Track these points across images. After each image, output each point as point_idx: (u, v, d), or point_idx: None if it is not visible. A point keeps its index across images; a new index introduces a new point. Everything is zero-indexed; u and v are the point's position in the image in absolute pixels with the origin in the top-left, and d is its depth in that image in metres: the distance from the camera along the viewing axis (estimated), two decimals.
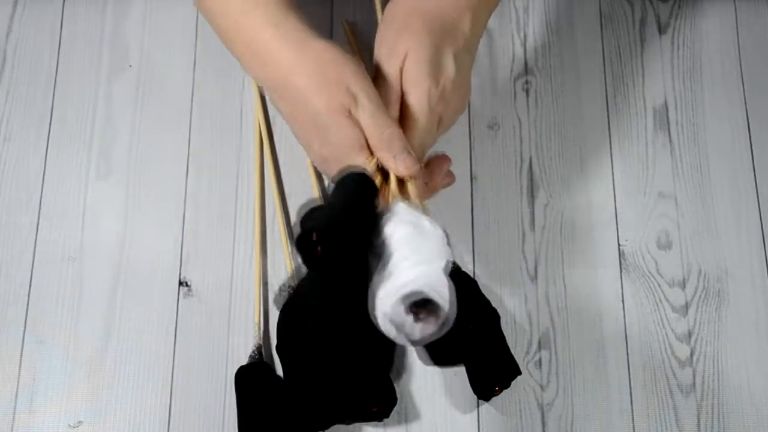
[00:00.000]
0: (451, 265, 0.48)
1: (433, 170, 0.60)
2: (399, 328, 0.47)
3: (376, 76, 0.57)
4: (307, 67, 0.55)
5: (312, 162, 0.63)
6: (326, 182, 0.71)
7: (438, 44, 0.56)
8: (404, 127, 0.56)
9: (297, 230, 0.49)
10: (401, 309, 0.46)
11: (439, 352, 0.58)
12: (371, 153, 0.55)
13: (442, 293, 0.47)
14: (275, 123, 0.73)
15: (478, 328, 0.63)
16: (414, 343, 0.48)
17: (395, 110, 0.56)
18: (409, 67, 0.56)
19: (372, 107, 0.54)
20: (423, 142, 0.57)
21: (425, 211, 0.54)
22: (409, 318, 0.47)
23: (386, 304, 0.47)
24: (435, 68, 0.56)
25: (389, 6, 0.59)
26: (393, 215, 0.51)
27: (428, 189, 0.60)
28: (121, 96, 0.73)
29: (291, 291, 0.64)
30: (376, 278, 0.49)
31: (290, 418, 0.62)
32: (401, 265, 0.47)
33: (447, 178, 0.62)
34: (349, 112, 0.54)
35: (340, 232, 0.48)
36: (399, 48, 0.56)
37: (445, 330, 0.48)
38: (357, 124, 0.55)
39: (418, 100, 0.55)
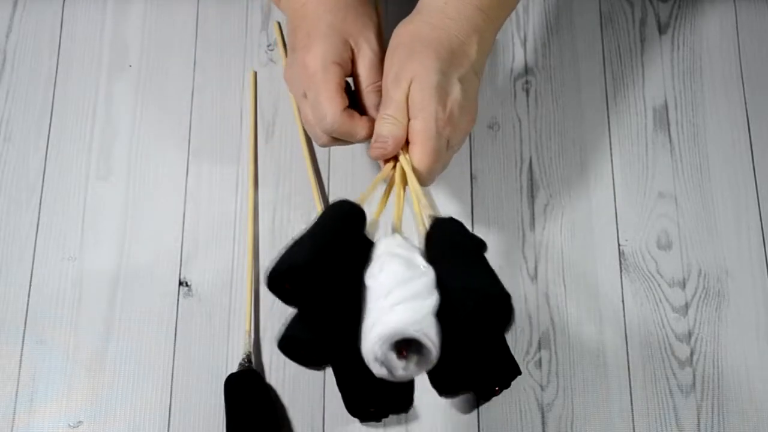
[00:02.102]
0: (437, 305, 0.48)
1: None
2: (383, 364, 0.47)
3: (384, 102, 0.57)
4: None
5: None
6: (325, 184, 0.71)
7: (444, 69, 0.56)
8: (412, 151, 0.56)
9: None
10: (386, 347, 0.47)
11: (442, 381, 0.57)
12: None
13: (429, 334, 0.47)
14: (275, 123, 0.73)
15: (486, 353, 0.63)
16: (397, 378, 0.48)
17: (401, 133, 0.56)
18: (415, 92, 0.55)
19: (372, 55, 0.59)
20: (432, 167, 0.56)
21: (431, 202, 0.54)
22: (393, 355, 0.47)
23: (372, 342, 0.47)
24: (441, 93, 0.55)
25: (395, 32, 0.59)
26: (386, 247, 0.51)
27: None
28: (121, 96, 0.73)
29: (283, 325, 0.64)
30: (365, 314, 0.49)
31: (278, 425, 0.63)
32: (387, 302, 0.47)
33: None
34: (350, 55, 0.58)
35: (309, 267, 0.48)
36: (405, 74, 0.56)
37: (428, 368, 0.48)
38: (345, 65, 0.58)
39: (425, 125, 0.55)
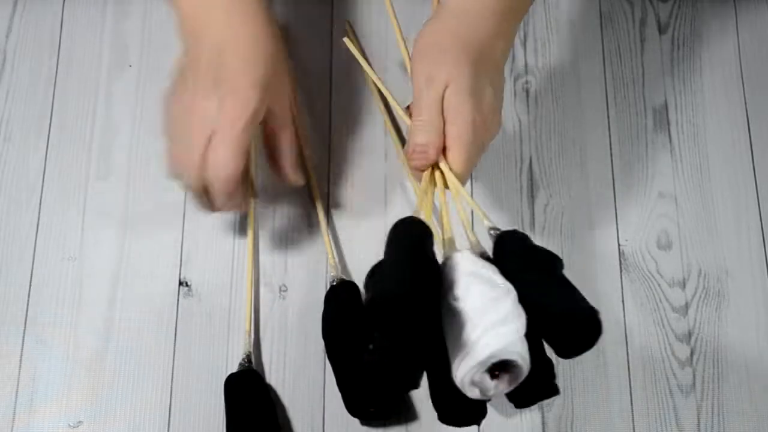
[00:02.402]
0: (525, 325, 0.48)
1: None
2: (477, 386, 0.48)
3: (417, 104, 0.56)
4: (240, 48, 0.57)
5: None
6: (326, 184, 0.71)
7: (477, 71, 0.55)
8: (449, 157, 0.55)
9: (363, 296, 0.48)
10: (483, 371, 0.47)
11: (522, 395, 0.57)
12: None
13: (524, 355, 0.47)
14: None
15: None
16: (488, 397, 0.49)
17: (438, 139, 0.55)
18: (451, 96, 0.55)
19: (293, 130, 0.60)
20: (467, 170, 0.56)
21: (482, 214, 0.55)
22: (487, 377, 0.48)
23: (469, 367, 0.47)
24: (476, 97, 0.55)
25: (423, 32, 0.58)
26: (464, 266, 0.51)
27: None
28: (121, 96, 0.73)
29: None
30: (453, 340, 0.49)
31: (278, 425, 0.63)
32: (481, 327, 0.47)
33: None
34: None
35: (410, 296, 0.47)
36: (439, 76, 0.55)
37: (518, 384, 0.49)
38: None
39: (462, 131, 0.54)
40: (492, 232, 0.54)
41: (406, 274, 0.48)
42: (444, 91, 0.55)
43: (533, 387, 0.53)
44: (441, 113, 0.55)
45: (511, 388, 0.49)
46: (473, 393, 0.48)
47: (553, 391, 0.56)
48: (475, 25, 0.57)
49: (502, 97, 0.59)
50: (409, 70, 0.59)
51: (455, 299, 0.49)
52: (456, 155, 0.55)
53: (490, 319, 0.47)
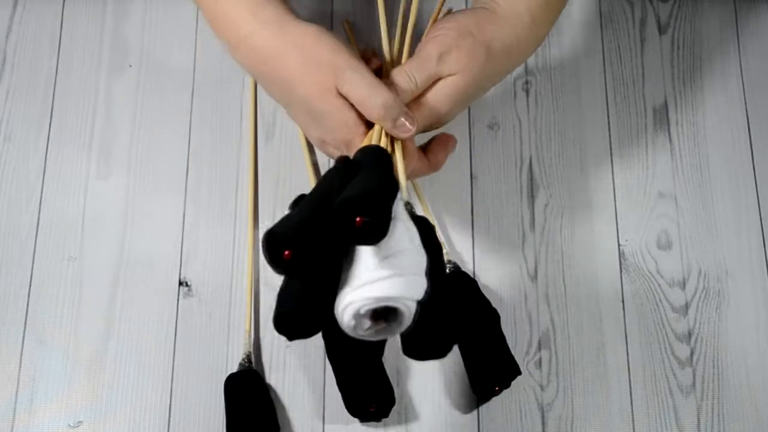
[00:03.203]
0: (427, 290, 0.48)
1: (436, 148, 0.60)
2: (355, 318, 0.47)
3: (416, 60, 0.56)
4: (289, 54, 0.54)
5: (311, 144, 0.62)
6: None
7: (483, 85, 0.57)
8: (416, 110, 0.56)
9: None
10: (370, 308, 0.46)
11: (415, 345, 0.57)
12: (367, 127, 0.55)
13: (411, 312, 0.47)
14: (275, 123, 0.73)
15: (478, 328, 0.63)
16: (354, 335, 0.48)
17: (410, 99, 0.56)
18: (449, 90, 0.56)
19: (359, 79, 0.54)
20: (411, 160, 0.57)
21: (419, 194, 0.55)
22: (368, 316, 0.47)
23: (360, 297, 0.46)
24: (470, 97, 0.57)
25: (474, 12, 0.58)
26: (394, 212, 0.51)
27: (431, 166, 0.60)
28: (121, 96, 0.73)
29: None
30: (357, 265, 0.48)
31: (277, 425, 0.63)
32: (388, 265, 0.47)
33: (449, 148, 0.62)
34: (338, 92, 0.54)
35: (382, 202, 0.47)
36: (453, 64, 0.55)
37: (389, 336, 0.48)
38: (347, 103, 0.54)
39: (435, 113, 0.56)
40: (407, 207, 0.53)
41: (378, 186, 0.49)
42: (447, 76, 0.55)
43: (429, 342, 0.53)
44: (427, 84, 0.55)
45: (380, 338, 0.48)
46: (349, 324, 0.47)
47: (514, 371, 0.58)
48: (514, 33, 0.57)
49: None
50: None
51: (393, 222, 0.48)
52: (408, 145, 0.56)
53: (402, 264, 0.47)
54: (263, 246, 0.45)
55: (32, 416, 0.64)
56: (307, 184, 0.70)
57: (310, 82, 0.54)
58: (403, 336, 0.49)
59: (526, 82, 0.75)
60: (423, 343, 0.50)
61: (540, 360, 0.67)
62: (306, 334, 0.49)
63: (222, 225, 0.70)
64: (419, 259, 0.48)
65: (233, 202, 0.70)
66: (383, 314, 0.47)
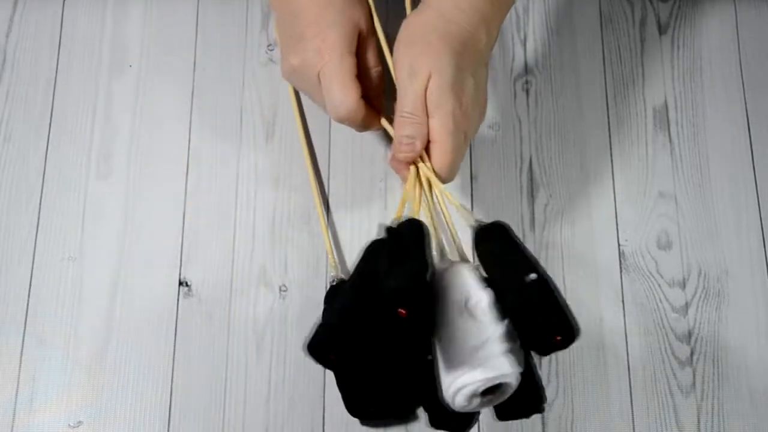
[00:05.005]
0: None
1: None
2: (468, 404, 0.49)
3: (401, 99, 0.57)
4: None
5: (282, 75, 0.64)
6: (325, 184, 0.71)
7: (459, 64, 0.56)
8: (433, 150, 0.56)
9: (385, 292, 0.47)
10: (482, 388, 0.48)
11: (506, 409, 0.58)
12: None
13: (519, 378, 0.49)
14: (275, 123, 0.73)
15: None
16: (468, 410, 0.50)
17: (425, 131, 0.56)
18: (433, 88, 0.55)
19: (376, 43, 0.59)
20: (453, 161, 0.57)
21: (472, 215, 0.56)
22: (479, 394, 0.49)
23: (474, 380, 0.48)
24: (457, 89, 0.56)
25: (405, 24, 0.59)
26: (472, 277, 0.52)
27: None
28: (121, 96, 0.73)
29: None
30: (458, 349, 0.49)
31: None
32: (499, 347, 0.48)
33: None
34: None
35: (424, 289, 0.48)
36: (422, 69, 0.56)
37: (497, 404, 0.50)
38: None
39: (443, 122, 0.55)
40: (475, 223, 0.54)
41: (417, 273, 0.49)
42: (427, 83, 0.56)
43: (520, 403, 0.54)
44: (425, 105, 0.56)
45: (493, 404, 0.50)
46: (462, 405, 0.49)
47: (538, 409, 0.57)
48: (459, 17, 0.57)
49: (485, 89, 0.60)
50: (390, 64, 0.60)
51: (472, 307, 0.50)
52: (438, 147, 0.56)
53: (506, 344, 0.48)
54: (308, 353, 0.48)
55: (32, 416, 0.64)
56: (307, 184, 0.70)
57: (344, 9, 0.58)
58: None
59: (526, 82, 0.75)
60: (517, 403, 0.51)
61: (540, 360, 0.67)
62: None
63: (222, 225, 0.70)
64: (508, 328, 0.49)
65: (233, 202, 0.70)
66: (492, 388, 0.48)
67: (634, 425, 0.65)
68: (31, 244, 0.69)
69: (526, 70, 0.76)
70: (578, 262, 0.69)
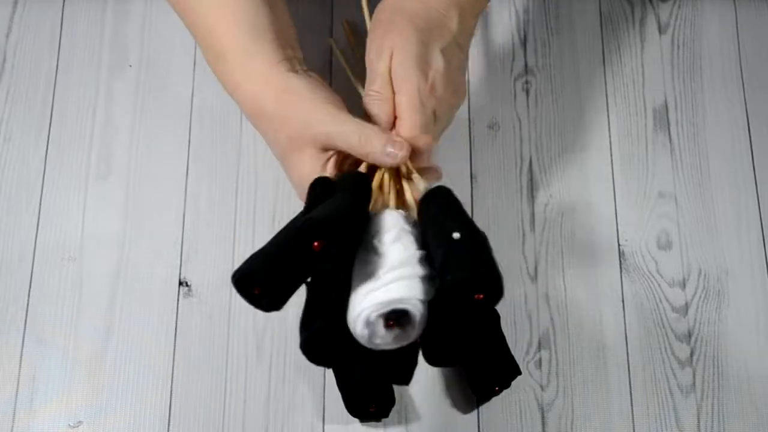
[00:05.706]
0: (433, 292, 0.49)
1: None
2: (368, 327, 0.48)
3: (368, 79, 0.58)
4: (272, 103, 0.57)
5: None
6: None
7: (424, 40, 0.56)
8: (399, 126, 0.56)
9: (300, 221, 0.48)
10: (379, 314, 0.48)
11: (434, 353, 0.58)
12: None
13: (420, 311, 0.48)
14: None
15: (477, 328, 0.63)
16: (372, 346, 0.50)
17: (390, 108, 0.57)
18: (396, 64, 0.56)
19: (348, 142, 0.55)
20: (420, 138, 0.56)
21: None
22: (381, 323, 0.48)
23: (368, 304, 0.48)
24: (422, 63, 0.56)
25: (377, 9, 0.60)
26: (396, 221, 0.52)
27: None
28: (121, 96, 0.73)
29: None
30: (365, 277, 0.49)
31: None
32: (394, 273, 0.48)
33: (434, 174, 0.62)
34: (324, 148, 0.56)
35: (343, 226, 0.48)
36: (386, 46, 0.56)
37: (404, 344, 0.50)
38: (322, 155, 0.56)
39: (408, 97, 0.56)
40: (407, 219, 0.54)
41: (341, 209, 0.50)
42: (390, 60, 0.56)
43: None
44: (390, 83, 0.56)
45: (397, 345, 0.49)
46: (362, 333, 0.48)
47: (515, 372, 0.58)
48: (426, 0, 0.58)
49: (458, 70, 0.59)
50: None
51: (381, 244, 0.50)
52: (404, 123, 0.56)
53: (405, 271, 0.48)
54: (234, 286, 0.47)
55: (32, 416, 0.64)
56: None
57: (285, 132, 0.57)
58: (422, 343, 0.50)
59: (526, 82, 0.75)
60: (442, 347, 0.51)
61: (540, 360, 0.67)
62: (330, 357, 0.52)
63: (222, 225, 0.70)
64: (425, 267, 0.49)
65: (233, 202, 0.70)
66: (396, 320, 0.48)
67: (634, 425, 0.65)
68: (31, 244, 0.69)
69: (526, 70, 0.76)
70: (578, 262, 0.69)
